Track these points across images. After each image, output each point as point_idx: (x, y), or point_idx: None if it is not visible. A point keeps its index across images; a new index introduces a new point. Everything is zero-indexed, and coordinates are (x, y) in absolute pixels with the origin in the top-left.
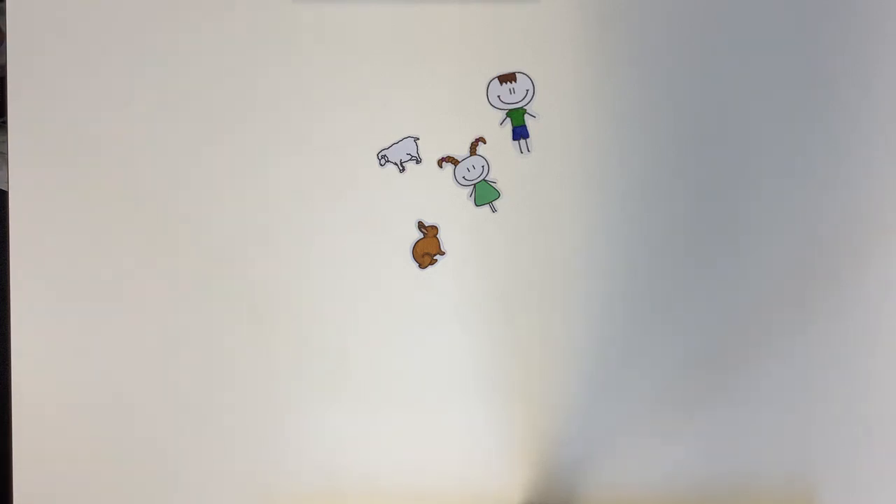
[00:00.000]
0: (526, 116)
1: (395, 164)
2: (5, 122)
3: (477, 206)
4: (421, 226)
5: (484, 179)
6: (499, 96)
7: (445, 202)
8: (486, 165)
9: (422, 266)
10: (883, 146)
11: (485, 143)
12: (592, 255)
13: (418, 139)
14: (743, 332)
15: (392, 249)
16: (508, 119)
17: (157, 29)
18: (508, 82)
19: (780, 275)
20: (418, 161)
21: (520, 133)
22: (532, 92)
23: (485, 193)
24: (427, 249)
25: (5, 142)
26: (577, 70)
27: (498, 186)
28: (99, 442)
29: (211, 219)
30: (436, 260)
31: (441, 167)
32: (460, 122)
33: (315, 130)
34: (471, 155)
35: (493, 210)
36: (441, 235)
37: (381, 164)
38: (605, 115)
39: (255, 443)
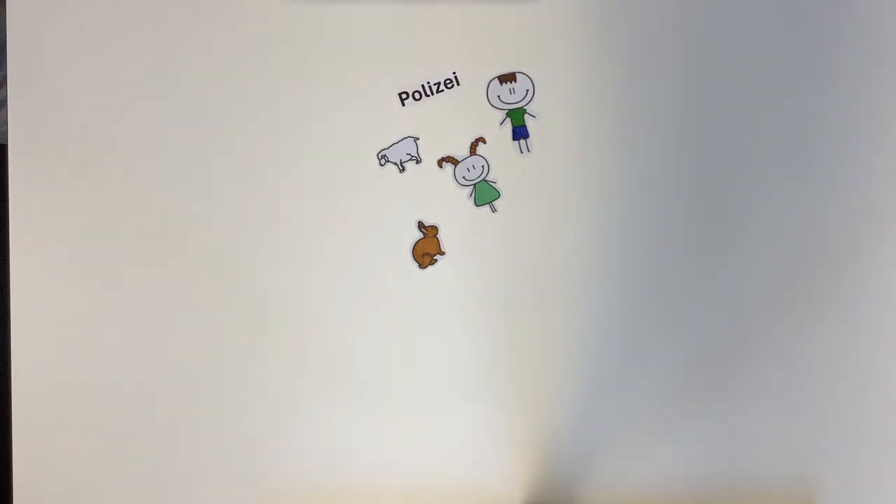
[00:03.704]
0: (526, 116)
1: (395, 164)
2: None
3: (477, 206)
4: (421, 226)
5: (484, 179)
6: (499, 96)
7: (445, 202)
8: (486, 165)
9: (422, 266)
10: (883, 146)
11: (485, 143)
12: (592, 255)
13: (418, 139)
14: (743, 332)
15: (392, 249)
16: (508, 119)
17: (157, 29)
18: (508, 82)
19: (780, 275)
20: (418, 161)
21: (520, 133)
22: (532, 92)
23: (485, 193)
24: (427, 249)
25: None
26: (577, 70)
27: (498, 186)
28: (99, 442)
29: (211, 219)
30: (436, 260)
31: (441, 167)
32: (460, 122)
33: (315, 130)
34: (471, 155)
35: (493, 210)
36: (441, 235)
37: (381, 164)
38: (605, 115)
39: (255, 443)
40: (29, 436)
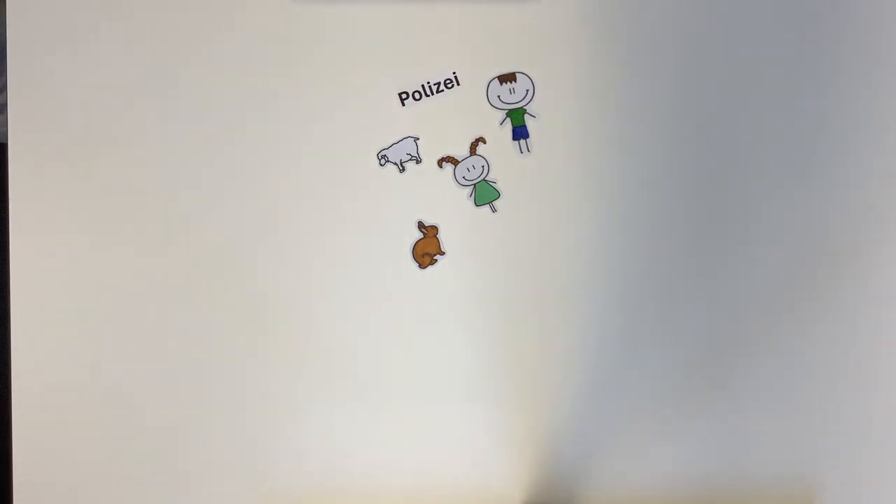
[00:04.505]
0: (526, 116)
1: (395, 164)
2: None
3: (477, 206)
4: (421, 226)
5: (484, 179)
6: (499, 96)
7: (445, 202)
8: (486, 165)
9: (422, 266)
10: (883, 146)
11: (485, 143)
12: (592, 255)
13: (418, 139)
14: (743, 332)
15: (392, 249)
16: (508, 119)
17: (157, 29)
18: (508, 82)
19: (780, 275)
20: (418, 161)
21: (520, 133)
22: (532, 92)
23: (485, 193)
24: (427, 249)
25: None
26: (577, 70)
27: (498, 186)
28: (99, 442)
29: (211, 219)
30: (436, 260)
31: (441, 167)
32: (460, 122)
33: (315, 130)
34: (471, 155)
35: (493, 210)
36: (441, 235)
37: (381, 164)
38: (605, 115)
39: (255, 443)
40: (29, 436)
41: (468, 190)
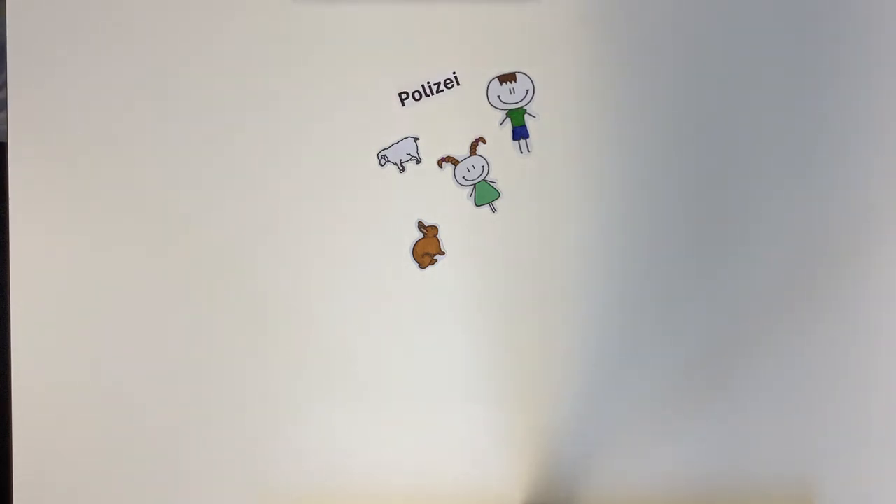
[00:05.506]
0: (526, 116)
1: (395, 164)
2: None
3: (477, 206)
4: (421, 226)
5: (484, 179)
6: (499, 96)
7: (445, 202)
8: (486, 165)
9: (422, 266)
10: (883, 146)
11: (485, 143)
12: (592, 255)
13: (418, 139)
14: (743, 332)
15: (392, 249)
16: (508, 119)
17: (157, 29)
18: (508, 82)
19: (780, 275)
20: (418, 161)
21: (520, 133)
22: (532, 92)
23: (485, 193)
24: (427, 249)
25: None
26: (577, 70)
27: (498, 186)
28: (99, 442)
29: (211, 219)
30: (436, 260)
31: (441, 167)
32: (460, 122)
33: (315, 130)
34: (471, 155)
35: (493, 210)
36: (441, 235)
37: (381, 164)
38: (605, 115)
39: (255, 443)
40: (29, 436)
41: (468, 190)
